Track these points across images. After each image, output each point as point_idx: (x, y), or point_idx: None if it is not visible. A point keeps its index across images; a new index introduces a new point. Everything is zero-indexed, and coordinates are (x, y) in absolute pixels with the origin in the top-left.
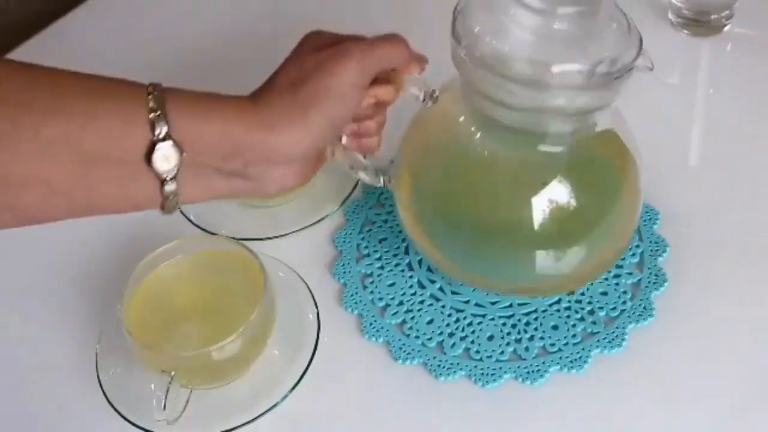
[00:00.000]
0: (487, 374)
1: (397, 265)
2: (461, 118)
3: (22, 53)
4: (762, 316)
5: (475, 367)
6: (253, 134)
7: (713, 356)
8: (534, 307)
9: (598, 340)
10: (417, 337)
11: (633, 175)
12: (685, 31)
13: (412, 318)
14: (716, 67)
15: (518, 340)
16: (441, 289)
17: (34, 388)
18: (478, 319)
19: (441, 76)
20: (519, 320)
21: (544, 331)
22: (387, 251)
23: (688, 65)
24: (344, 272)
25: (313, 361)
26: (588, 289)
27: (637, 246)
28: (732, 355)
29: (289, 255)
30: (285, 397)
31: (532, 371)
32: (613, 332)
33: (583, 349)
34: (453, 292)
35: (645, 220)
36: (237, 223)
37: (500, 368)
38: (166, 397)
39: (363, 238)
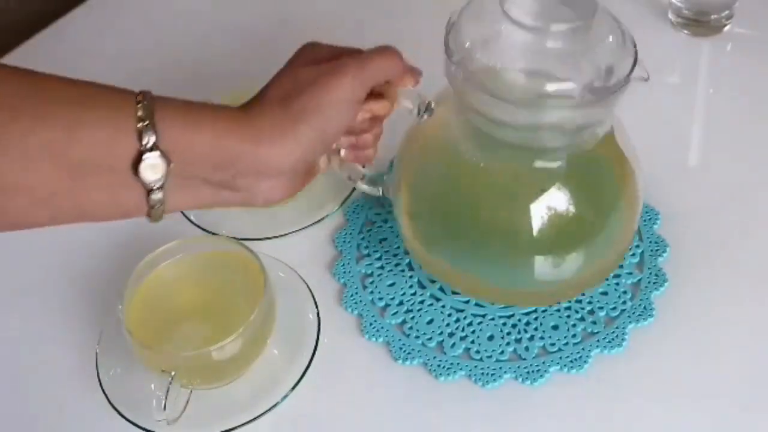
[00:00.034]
0: (487, 374)
1: (397, 265)
2: (457, 130)
3: (22, 53)
4: (762, 316)
5: (475, 367)
6: (243, 146)
7: (713, 356)
8: (534, 307)
9: (598, 340)
10: (417, 337)
11: (631, 183)
12: (685, 31)
13: (412, 318)
14: (716, 67)
15: (518, 340)
16: (441, 289)
17: (34, 388)
18: (478, 319)
19: (436, 88)
20: (519, 320)
21: (544, 331)
22: (387, 251)
23: (688, 65)
24: (344, 272)
25: (313, 361)
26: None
27: (637, 246)
28: (732, 355)
29: (289, 255)
30: (285, 397)
31: (532, 371)
32: (613, 332)
33: (583, 349)
34: (453, 292)
35: (645, 220)
36: (237, 223)
37: (500, 368)
38: (166, 397)
39: (363, 238)
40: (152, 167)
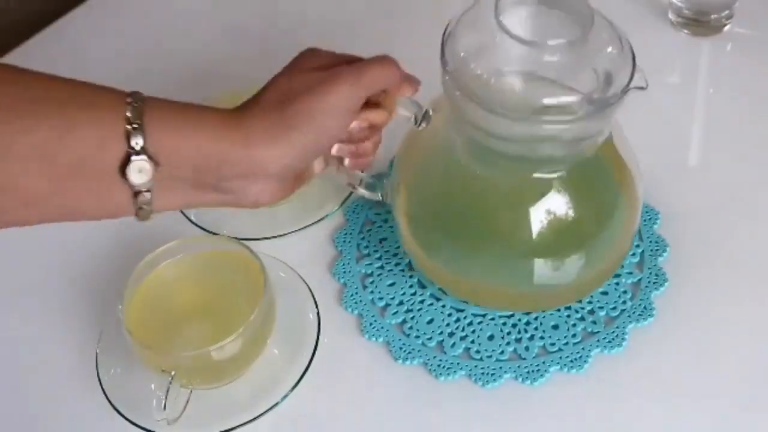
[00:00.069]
0: (487, 374)
1: (397, 265)
2: (454, 138)
3: (22, 53)
4: (762, 316)
5: (475, 366)
6: (232, 150)
7: (713, 356)
8: (533, 311)
9: (598, 340)
10: (417, 336)
11: (631, 188)
12: (685, 31)
13: (412, 318)
14: (716, 67)
15: (518, 340)
16: (441, 288)
17: (34, 388)
18: (479, 319)
19: (434, 94)
20: (519, 320)
21: (544, 331)
22: (387, 251)
23: (688, 65)
24: (344, 272)
25: (313, 361)
26: None
27: (637, 246)
28: (732, 355)
29: (289, 255)
30: (285, 397)
31: (532, 371)
32: (613, 332)
33: (583, 348)
34: None
35: (645, 220)
36: (237, 223)
37: (500, 368)
38: (166, 397)
39: (363, 238)
40: (140, 170)
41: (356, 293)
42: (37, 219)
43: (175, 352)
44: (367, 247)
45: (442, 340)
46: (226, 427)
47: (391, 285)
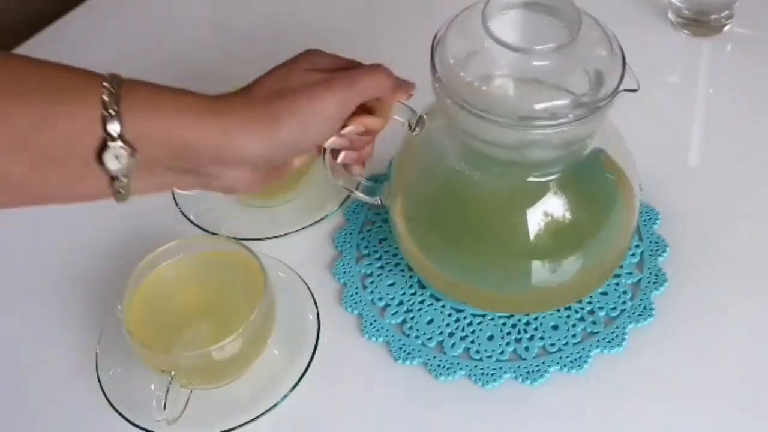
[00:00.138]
0: (487, 374)
1: (397, 265)
2: (449, 143)
3: (21, 53)
4: (762, 316)
5: (475, 367)
6: (210, 137)
7: (713, 356)
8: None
9: (598, 340)
10: (417, 337)
11: (626, 188)
12: (685, 31)
13: (412, 318)
14: (716, 67)
15: (518, 340)
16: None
17: (34, 388)
18: (478, 319)
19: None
20: (519, 320)
21: (544, 331)
22: (387, 251)
23: (688, 65)
24: (344, 272)
25: (313, 361)
26: None
27: (637, 246)
28: (732, 355)
29: (289, 255)
30: (285, 397)
31: (532, 371)
32: (613, 332)
33: (583, 349)
34: None
35: (645, 220)
36: (237, 223)
37: (500, 368)
38: (166, 397)
39: (363, 238)
40: (116, 157)
41: (356, 293)
42: (11, 204)
43: (175, 352)
44: (367, 247)
45: (442, 340)
46: (226, 427)
47: (391, 285)
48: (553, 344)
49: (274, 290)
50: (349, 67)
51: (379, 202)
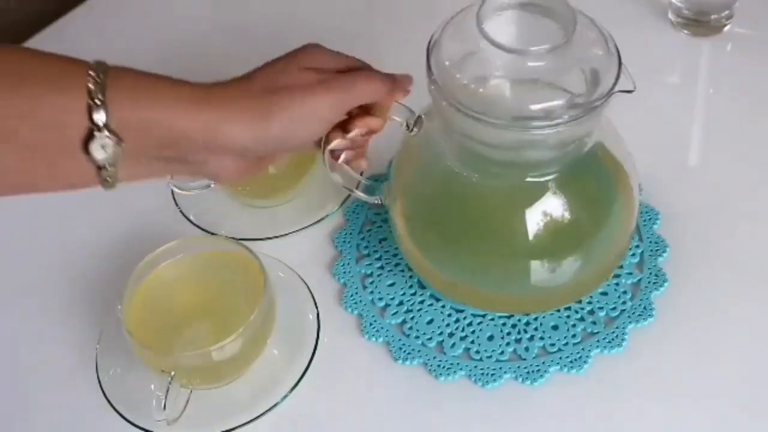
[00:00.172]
0: (487, 374)
1: (397, 265)
2: (446, 144)
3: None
4: (762, 316)
5: (475, 367)
6: (197, 126)
7: (713, 356)
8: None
9: (598, 340)
10: (417, 337)
11: (625, 187)
12: (685, 31)
13: (412, 318)
14: (716, 67)
15: (518, 340)
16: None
17: (34, 388)
18: (478, 319)
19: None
20: (519, 320)
21: (544, 331)
22: (387, 251)
23: (688, 65)
24: (344, 272)
25: (313, 361)
26: None
27: (637, 246)
28: (732, 355)
29: (289, 255)
30: (285, 397)
31: (532, 371)
32: (613, 332)
33: (583, 349)
34: None
35: (645, 220)
36: (237, 223)
37: (500, 368)
38: (166, 397)
39: (363, 238)
40: (102, 146)
41: (356, 293)
42: None
43: (175, 352)
44: (366, 247)
45: (442, 341)
46: (226, 427)
47: (391, 285)
48: (553, 344)
49: (274, 290)
50: (348, 69)
51: (379, 201)
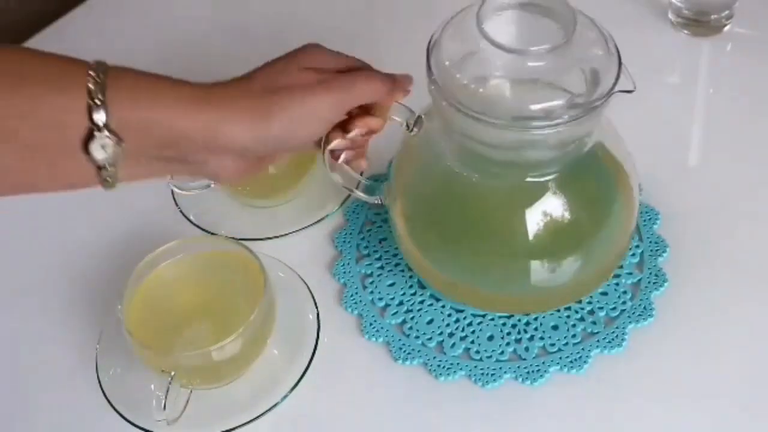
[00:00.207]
0: (487, 374)
1: (397, 265)
2: (446, 144)
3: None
4: (762, 316)
5: (475, 367)
6: (198, 127)
7: (713, 356)
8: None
9: (598, 340)
10: (417, 337)
11: (625, 187)
12: (685, 31)
13: (412, 318)
14: (716, 67)
15: (518, 340)
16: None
17: (34, 388)
18: (478, 319)
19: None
20: (519, 320)
21: (544, 331)
22: (387, 251)
23: (688, 65)
24: (344, 272)
25: (313, 361)
26: None
27: (637, 246)
28: (732, 355)
29: (289, 255)
30: (285, 397)
31: (532, 371)
32: (613, 332)
33: (583, 349)
34: None
35: (645, 220)
36: (237, 223)
37: (500, 368)
38: (166, 397)
39: (363, 238)
40: (102, 146)
41: (356, 293)
42: None
43: (175, 352)
44: (366, 247)
45: (442, 341)
46: (226, 427)
47: (391, 285)
48: (553, 344)
49: (274, 290)
50: (348, 69)
51: (379, 201)
